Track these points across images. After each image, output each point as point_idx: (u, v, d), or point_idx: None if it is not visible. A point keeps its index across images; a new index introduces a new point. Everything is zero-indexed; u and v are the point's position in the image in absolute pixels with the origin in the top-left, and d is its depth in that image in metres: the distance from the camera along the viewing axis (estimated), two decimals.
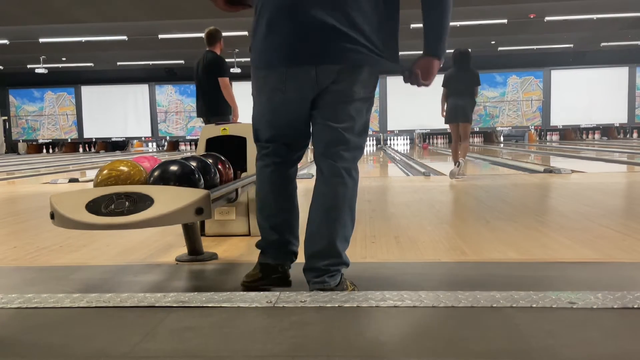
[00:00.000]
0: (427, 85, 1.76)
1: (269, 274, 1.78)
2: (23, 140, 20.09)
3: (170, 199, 1.73)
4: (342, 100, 1.66)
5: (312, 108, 1.71)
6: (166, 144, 19.70)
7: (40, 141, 19.92)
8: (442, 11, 1.68)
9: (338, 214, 1.70)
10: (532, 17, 12.62)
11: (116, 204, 1.71)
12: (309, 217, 1.76)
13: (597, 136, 18.34)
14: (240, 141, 2.86)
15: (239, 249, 2.49)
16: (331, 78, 1.63)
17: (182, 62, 17.90)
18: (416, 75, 1.73)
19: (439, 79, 2.50)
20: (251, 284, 1.77)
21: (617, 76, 17.51)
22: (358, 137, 1.73)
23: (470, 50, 6.14)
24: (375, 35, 1.65)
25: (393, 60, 1.73)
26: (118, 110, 19.10)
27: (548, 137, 18.54)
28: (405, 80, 1.78)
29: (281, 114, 1.73)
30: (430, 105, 17.36)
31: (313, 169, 6.06)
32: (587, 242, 2.45)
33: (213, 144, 2.86)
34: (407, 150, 15.43)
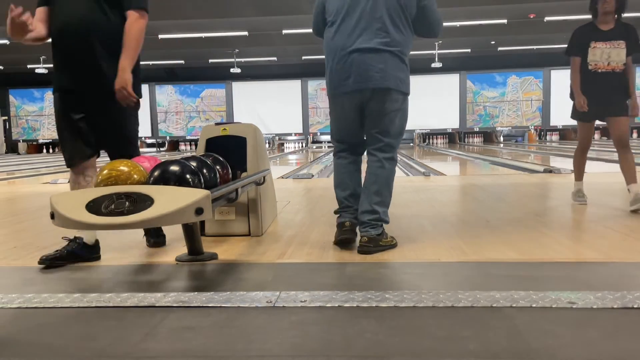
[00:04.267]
0: None
1: (342, 227, 2.44)
2: (23, 140, 20.09)
3: (170, 199, 1.73)
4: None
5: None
6: (166, 144, 19.71)
7: (41, 141, 19.92)
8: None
9: (377, 188, 2.39)
10: (532, 17, 12.62)
11: (116, 204, 1.71)
12: (362, 190, 2.45)
13: (596, 136, 18.31)
14: (240, 141, 2.86)
15: (239, 249, 2.49)
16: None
17: (182, 62, 17.91)
18: None
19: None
20: (339, 241, 2.42)
21: None
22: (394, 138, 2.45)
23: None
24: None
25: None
26: None
27: (548, 137, 18.55)
28: None
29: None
30: (430, 105, 17.42)
31: (313, 169, 6.03)
32: (587, 242, 2.45)
33: (213, 144, 2.86)
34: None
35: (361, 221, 2.37)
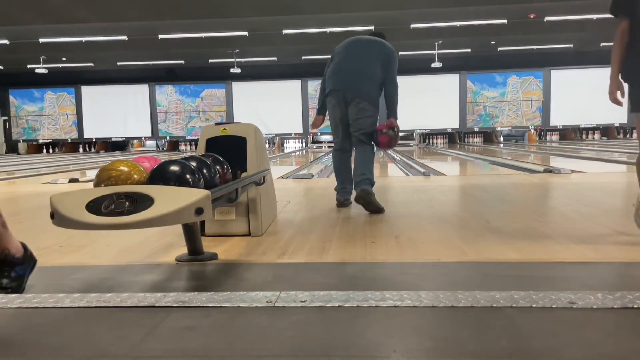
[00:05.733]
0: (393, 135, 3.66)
1: (340, 205, 3.75)
2: (23, 140, 20.09)
3: (170, 199, 1.73)
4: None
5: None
6: (166, 144, 19.71)
7: (41, 141, 19.92)
8: (394, 100, 3.67)
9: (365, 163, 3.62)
10: (532, 17, 12.63)
11: (116, 204, 1.71)
12: (354, 165, 3.64)
13: (597, 136, 18.34)
14: (240, 141, 2.86)
15: (239, 249, 2.49)
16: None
17: (182, 62, 17.91)
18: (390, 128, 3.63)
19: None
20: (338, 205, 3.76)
21: None
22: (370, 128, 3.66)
23: None
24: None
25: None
26: (118, 110, 19.10)
27: (548, 137, 18.55)
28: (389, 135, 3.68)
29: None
30: (430, 105, 17.41)
31: (313, 169, 6.07)
32: (587, 242, 2.45)
33: (213, 144, 2.86)
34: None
35: (357, 181, 3.54)
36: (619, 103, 2.45)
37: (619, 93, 2.43)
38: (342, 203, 3.73)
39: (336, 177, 3.82)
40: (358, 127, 3.60)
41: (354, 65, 3.62)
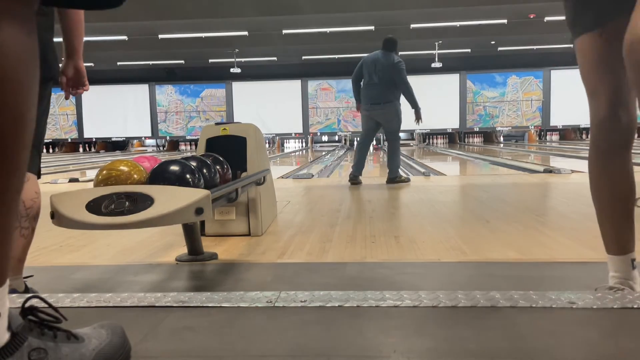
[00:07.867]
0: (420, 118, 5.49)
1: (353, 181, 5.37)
2: None
3: (170, 199, 1.73)
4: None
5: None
6: (166, 143, 19.71)
7: None
8: (411, 96, 5.32)
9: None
10: (532, 17, 12.63)
11: (116, 204, 1.71)
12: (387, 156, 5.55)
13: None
14: (240, 141, 2.86)
15: (239, 249, 2.49)
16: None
17: (182, 62, 17.91)
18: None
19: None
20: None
21: None
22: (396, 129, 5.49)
23: None
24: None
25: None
26: (118, 110, 19.09)
27: (548, 137, 18.55)
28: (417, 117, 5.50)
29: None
30: (430, 105, 17.41)
31: (313, 169, 6.06)
32: (587, 242, 2.45)
33: (213, 144, 2.87)
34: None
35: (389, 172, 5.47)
36: None
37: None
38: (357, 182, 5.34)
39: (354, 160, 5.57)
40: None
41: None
